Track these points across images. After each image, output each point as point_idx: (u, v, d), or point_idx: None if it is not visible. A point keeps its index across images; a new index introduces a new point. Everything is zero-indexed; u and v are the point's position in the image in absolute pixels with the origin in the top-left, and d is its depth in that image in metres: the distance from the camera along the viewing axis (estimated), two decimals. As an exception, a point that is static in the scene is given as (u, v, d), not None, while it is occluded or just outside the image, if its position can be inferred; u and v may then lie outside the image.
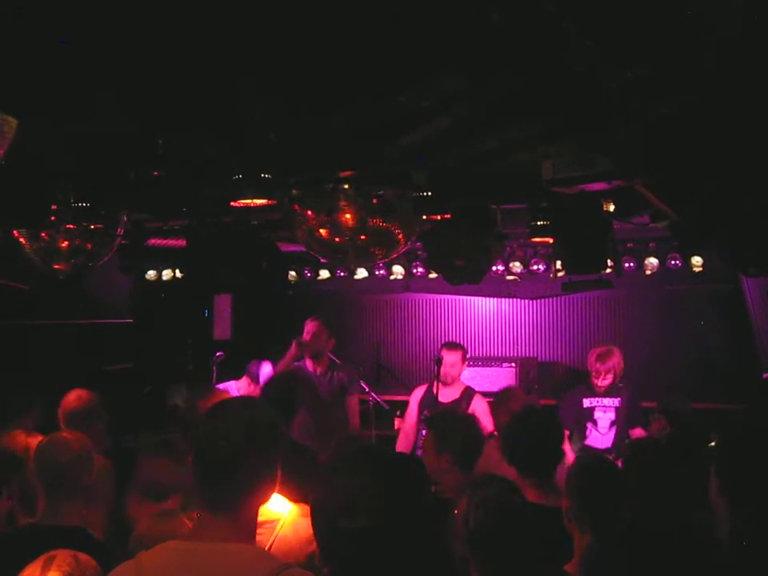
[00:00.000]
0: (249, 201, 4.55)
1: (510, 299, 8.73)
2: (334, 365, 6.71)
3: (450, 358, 6.69)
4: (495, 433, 5.70)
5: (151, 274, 8.01)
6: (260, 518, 2.25)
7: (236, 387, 6.94)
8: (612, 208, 4.84)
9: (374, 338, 9.18)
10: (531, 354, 8.63)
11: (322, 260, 6.05)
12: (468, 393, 6.71)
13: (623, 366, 6.67)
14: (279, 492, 2.33)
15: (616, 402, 6.66)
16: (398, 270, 7.90)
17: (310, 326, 6.55)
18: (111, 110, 3.48)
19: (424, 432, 5.40)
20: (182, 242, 6.56)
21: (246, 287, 6.09)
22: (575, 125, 3.70)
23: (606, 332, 8.37)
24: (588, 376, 6.75)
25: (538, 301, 8.68)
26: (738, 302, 7.46)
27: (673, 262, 7.05)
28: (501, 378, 8.13)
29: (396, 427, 7.25)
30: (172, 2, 2.51)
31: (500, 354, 8.71)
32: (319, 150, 4.08)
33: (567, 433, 5.56)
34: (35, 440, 4.07)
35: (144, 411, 7.18)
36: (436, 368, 6.67)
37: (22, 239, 5.52)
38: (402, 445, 6.59)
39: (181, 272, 7.64)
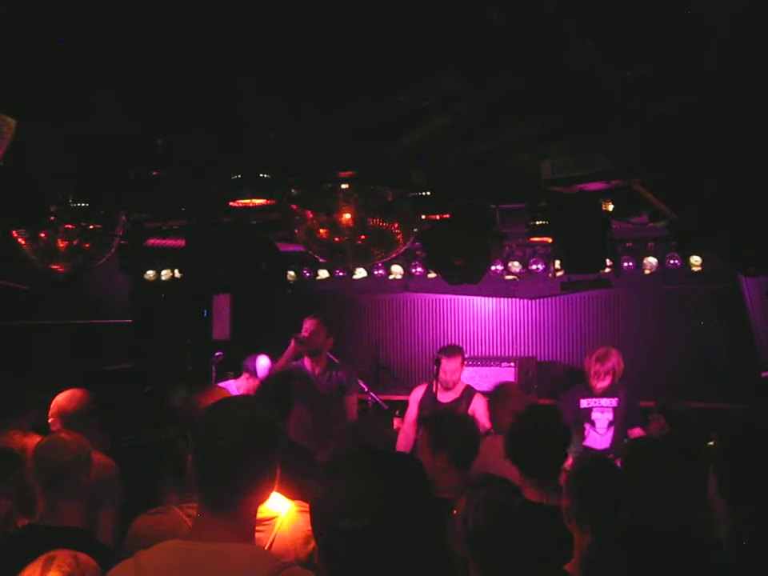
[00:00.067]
0: (248, 201, 4.55)
1: (509, 299, 8.74)
2: (333, 364, 6.72)
3: (449, 365, 6.68)
4: (492, 430, 5.69)
5: (150, 274, 8.01)
6: (258, 516, 2.25)
7: (236, 386, 6.95)
8: (611, 208, 4.85)
9: (372, 337, 9.18)
10: (530, 354, 8.63)
11: (321, 260, 6.04)
12: (468, 392, 6.71)
13: (623, 367, 6.67)
14: (276, 490, 2.34)
15: (613, 402, 6.65)
16: (396, 270, 7.90)
17: (308, 324, 6.55)
18: (111, 109, 3.47)
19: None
20: (181, 242, 6.56)
21: (244, 287, 6.08)
22: (575, 125, 3.70)
23: (604, 332, 8.38)
24: (586, 376, 6.76)
25: (537, 300, 8.68)
26: (737, 302, 7.46)
27: (672, 262, 7.04)
28: (500, 377, 8.12)
29: (395, 427, 7.25)
30: (172, 1, 2.51)
31: (499, 354, 8.71)
32: (319, 150, 4.08)
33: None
34: (31, 440, 4.06)
35: (144, 411, 7.18)
36: (435, 368, 6.67)
37: (20, 239, 5.51)
38: (402, 445, 6.58)
39: (180, 272, 7.65)
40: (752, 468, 2.67)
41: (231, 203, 4.63)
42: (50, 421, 4.52)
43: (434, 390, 6.60)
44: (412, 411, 6.77)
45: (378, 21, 2.58)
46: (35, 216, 4.54)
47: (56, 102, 3.32)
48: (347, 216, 4.66)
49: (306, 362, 6.57)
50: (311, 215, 4.79)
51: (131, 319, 8.45)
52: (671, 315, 8.13)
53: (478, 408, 6.43)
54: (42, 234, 5.50)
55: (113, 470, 4.33)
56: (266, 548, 2.54)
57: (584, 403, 6.70)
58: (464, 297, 8.85)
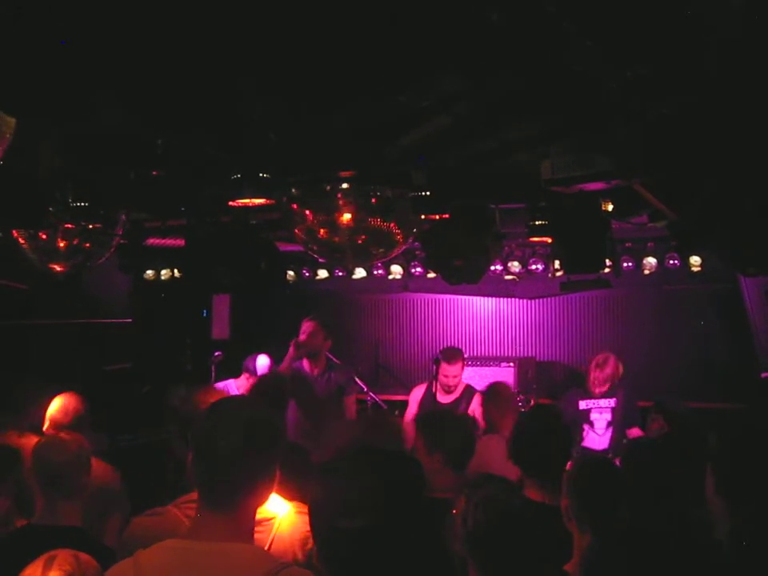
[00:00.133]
0: (248, 200, 4.55)
1: (509, 299, 8.73)
2: (332, 365, 6.71)
3: (451, 370, 6.65)
4: (486, 426, 5.67)
5: (150, 273, 8.01)
6: (256, 517, 2.25)
7: (236, 386, 6.95)
8: (611, 208, 4.85)
9: (372, 337, 9.17)
10: (529, 354, 8.63)
11: (321, 260, 6.04)
12: (468, 392, 6.70)
13: (621, 372, 6.69)
14: (275, 491, 2.34)
15: (612, 402, 6.67)
16: (396, 270, 7.90)
17: (305, 326, 6.54)
18: (111, 110, 3.47)
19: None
20: (180, 242, 6.56)
21: (244, 287, 6.08)
22: (575, 125, 3.70)
23: (604, 332, 8.38)
24: (585, 377, 6.77)
25: (537, 300, 8.68)
26: (736, 302, 7.46)
27: (671, 262, 7.04)
28: (499, 377, 8.11)
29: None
30: (172, 2, 2.51)
31: (498, 354, 8.70)
32: (319, 150, 4.08)
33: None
34: (28, 440, 4.06)
35: (143, 411, 7.18)
36: (435, 368, 6.66)
37: (20, 239, 5.51)
38: (402, 444, 6.58)
39: (179, 271, 7.64)
40: (752, 468, 2.67)
41: (231, 203, 4.62)
42: (43, 430, 4.52)
43: (434, 390, 6.59)
44: (412, 410, 6.76)
45: (378, 21, 2.58)
46: (35, 216, 4.53)
47: (56, 102, 3.32)
48: (347, 216, 4.66)
49: (305, 364, 6.57)
50: (311, 215, 4.79)
51: (131, 319, 8.45)
52: (671, 315, 8.13)
53: (478, 408, 6.42)
54: (42, 234, 5.50)
55: (114, 479, 4.32)
56: (264, 548, 2.54)
57: (583, 404, 6.72)
58: (463, 297, 8.85)
